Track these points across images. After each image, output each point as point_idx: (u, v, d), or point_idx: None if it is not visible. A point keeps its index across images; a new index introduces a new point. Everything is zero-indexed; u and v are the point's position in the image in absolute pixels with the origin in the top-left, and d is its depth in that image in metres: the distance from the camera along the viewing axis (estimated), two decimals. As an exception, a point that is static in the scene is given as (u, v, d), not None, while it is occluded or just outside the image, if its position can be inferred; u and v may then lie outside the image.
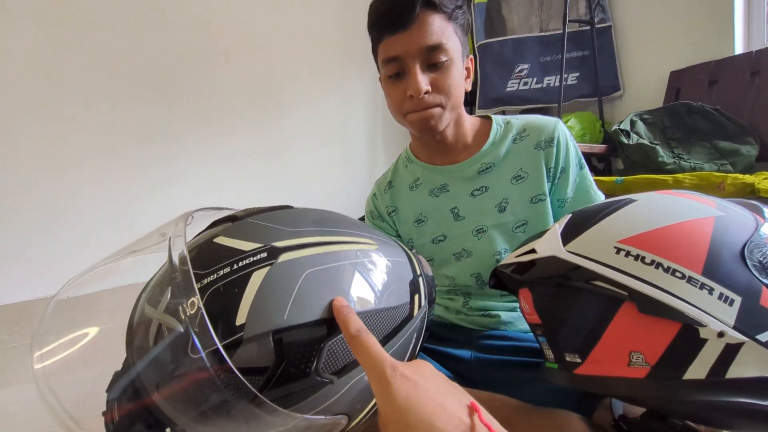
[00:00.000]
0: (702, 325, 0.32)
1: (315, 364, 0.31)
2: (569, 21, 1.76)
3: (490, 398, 0.54)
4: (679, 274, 0.34)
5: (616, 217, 0.41)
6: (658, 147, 1.46)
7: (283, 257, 0.33)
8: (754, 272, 0.33)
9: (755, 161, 1.35)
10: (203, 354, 0.27)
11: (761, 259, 0.34)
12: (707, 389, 0.32)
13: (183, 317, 0.28)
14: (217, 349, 0.27)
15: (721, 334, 0.32)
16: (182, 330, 0.28)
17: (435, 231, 0.72)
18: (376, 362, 0.27)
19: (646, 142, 1.50)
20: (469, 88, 0.66)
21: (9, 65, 1.63)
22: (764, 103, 1.38)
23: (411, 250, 0.46)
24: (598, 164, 1.90)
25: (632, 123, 1.59)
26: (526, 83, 2.07)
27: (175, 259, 0.30)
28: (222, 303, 0.30)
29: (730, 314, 0.32)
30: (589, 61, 1.93)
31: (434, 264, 0.74)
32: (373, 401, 0.35)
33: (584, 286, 0.38)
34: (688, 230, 0.37)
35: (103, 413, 0.33)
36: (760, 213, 0.39)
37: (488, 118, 0.72)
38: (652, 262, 0.35)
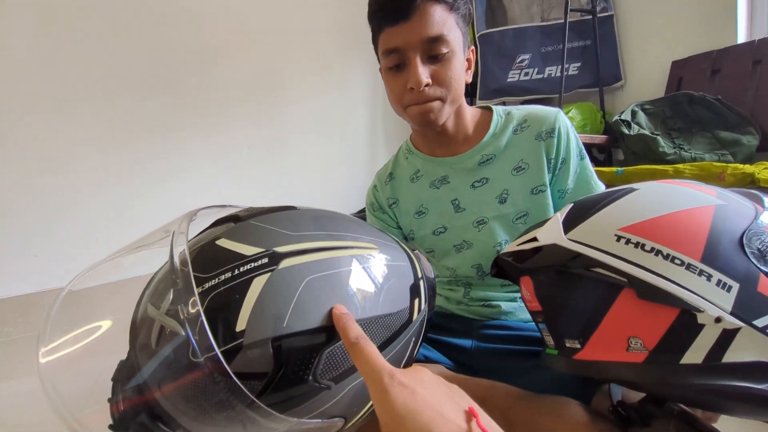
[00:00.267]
0: (700, 311, 0.33)
1: (313, 370, 0.31)
2: (571, 10, 1.74)
3: (491, 386, 0.55)
4: (678, 261, 0.35)
5: (617, 205, 0.41)
6: (658, 137, 1.46)
7: (284, 263, 0.33)
8: (753, 260, 0.34)
9: (756, 151, 1.34)
10: (202, 359, 0.27)
11: (760, 246, 0.35)
12: (704, 373, 0.33)
13: (184, 322, 0.28)
14: (216, 355, 0.27)
15: (718, 320, 0.32)
16: (183, 334, 0.29)
17: (436, 223, 0.72)
18: (374, 370, 0.27)
19: (646, 132, 1.50)
20: (470, 80, 0.66)
21: (10, 62, 1.63)
22: (766, 92, 1.37)
23: (412, 250, 0.46)
24: (599, 155, 1.89)
25: (633, 113, 1.58)
26: (527, 73, 2.06)
27: (177, 262, 0.30)
28: (222, 309, 0.31)
29: (728, 300, 0.33)
30: (590, 51, 1.91)
31: (435, 255, 0.74)
32: (370, 403, 0.35)
33: (585, 273, 0.39)
34: (688, 218, 0.37)
35: (109, 399, 0.34)
36: (760, 202, 0.39)
37: (489, 109, 0.72)
38: (652, 249, 0.36)
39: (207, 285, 0.31)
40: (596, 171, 0.70)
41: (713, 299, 0.33)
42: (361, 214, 0.78)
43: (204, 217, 0.40)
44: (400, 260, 0.41)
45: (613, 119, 1.62)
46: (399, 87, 0.61)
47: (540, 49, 2.04)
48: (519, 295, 0.71)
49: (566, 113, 1.76)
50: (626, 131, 1.54)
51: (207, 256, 0.34)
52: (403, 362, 0.40)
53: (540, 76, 2.04)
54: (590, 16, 1.84)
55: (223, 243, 0.35)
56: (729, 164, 1.15)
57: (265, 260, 0.33)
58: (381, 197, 0.79)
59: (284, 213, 0.40)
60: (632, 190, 0.42)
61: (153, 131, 1.89)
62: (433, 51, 0.58)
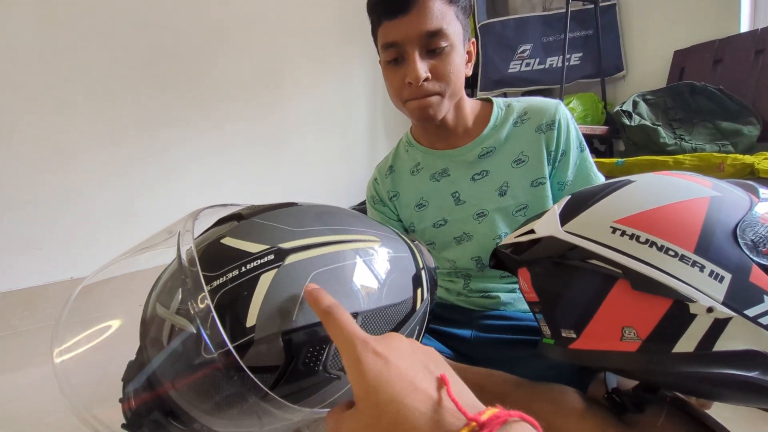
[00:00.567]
0: (692, 301, 0.33)
1: (324, 361, 0.32)
2: (572, -1, 1.72)
3: (490, 374, 0.56)
4: (672, 253, 0.35)
5: (614, 197, 0.41)
6: (659, 128, 1.45)
7: (290, 259, 0.34)
8: (745, 250, 0.34)
9: (757, 141, 1.34)
10: (216, 354, 0.28)
11: (753, 237, 0.35)
12: (696, 361, 0.34)
13: (195, 319, 0.28)
14: (230, 350, 0.28)
15: (710, 310, 0.33)
16: (194, 331, 0.29)
17: (436, 215, 0.73)
18: (347, 338, 0.26)
19: (648, 123, 1.49)
20: (470, 73, 0.65)
21: (12, 58, 1.63)
22: (768, 82, 1.36)
23: (413, 241, 0.46)
24: (600, 146, 1.89)
25: (635, 104, 1.57)
26: (528, 64, 2.04)
27: (185, 261, 0.31)
28: (232, 305, 0.31)
29: (720, 290, 0.33)
30: (592, 41, 1.90)
31: (435, 247, 0.75)
32: None
33: (581, 264, 0.39)
34: (682, 210, 0.37)
35: (120, 400, 0.35)
36: (755, 193, 0.40)
37: (489, 101, 0.72)
38: (647, 241, 0.36)
39: (215, 283, 0.32)
40: (597, 162, 0.70)
41: (705, 289, 0.34)
42: (361, 207, 0.78)
43: (206, 216, 0.40)
44: (402, 252, 0.42)
45: (615, 110, 1.61)
46: (398, 81, 0.61)
47: (541, 39, 2.02)
48: (517, 286, 0.72)
49: (567, 104, 1.76)
50: (627, 122, 1.53)
51: (213, 255, 0.35)
52: None
53: (541, 66, 2.02)
54: (592, 6, 1.82)
55: (228, 241, 0.36)
56: (729, 155, 1.15)
57: (271, 257, 0.34)
58: (381, 190, 0.79)
59: (286, 210, 0.41)
60: (629, 182, 0.43)
61: (154, 126, 1.90)
62: (432, 45, 0.58)
